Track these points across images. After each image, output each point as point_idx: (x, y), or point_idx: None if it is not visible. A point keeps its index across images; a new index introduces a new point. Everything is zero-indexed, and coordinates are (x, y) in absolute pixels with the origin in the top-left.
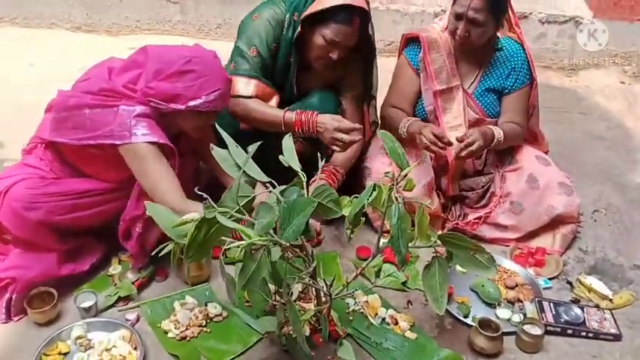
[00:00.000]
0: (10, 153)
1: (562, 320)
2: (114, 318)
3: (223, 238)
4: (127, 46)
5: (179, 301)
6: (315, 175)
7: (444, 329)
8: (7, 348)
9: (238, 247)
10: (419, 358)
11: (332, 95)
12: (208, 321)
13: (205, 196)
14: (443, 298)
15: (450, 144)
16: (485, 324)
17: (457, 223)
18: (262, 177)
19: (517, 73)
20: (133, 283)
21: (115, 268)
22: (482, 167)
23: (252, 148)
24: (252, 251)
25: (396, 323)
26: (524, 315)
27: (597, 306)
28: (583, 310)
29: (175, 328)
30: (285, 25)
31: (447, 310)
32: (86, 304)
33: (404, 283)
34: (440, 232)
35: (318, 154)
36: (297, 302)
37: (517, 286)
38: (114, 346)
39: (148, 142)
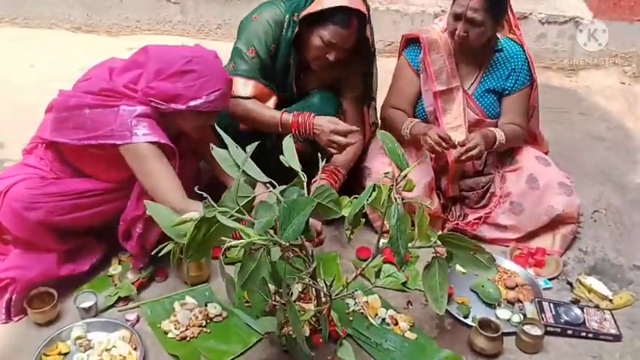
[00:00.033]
0: (11, 153)
1: (562, 321)
2: (114, 318)
3: (223, 238)
4: (127, 47)
5: (179, 302)
6: (317, 175)
7: (443, 330)
8: (7, 348)
9: (238, 246)
10: (419, 359)
11: (333, 96)
12: (208, 321)
13: (205, 195)
14: (443, 299)
15: (454, 146)
16: (485, 324)
17: (457, 224)
18: (262, 177)
19: (517, 74)
20: (132, 283)
21: (115, 269)
22: (482, 168)
23: (251, 147)
24: (252, 251)
25: (396, 324)
26: (524, 315)
27: (597, 306)
28: (583, 311)
29: (175, 328)
30: (285, 26)
31: (446, 310)
32: (86, 305)
33: (404, 284)
34: (440, 233)
35: (319, 155)
36: (297, 302)
37: (517, 286)
38: (114, 347)
39: (149, 142)
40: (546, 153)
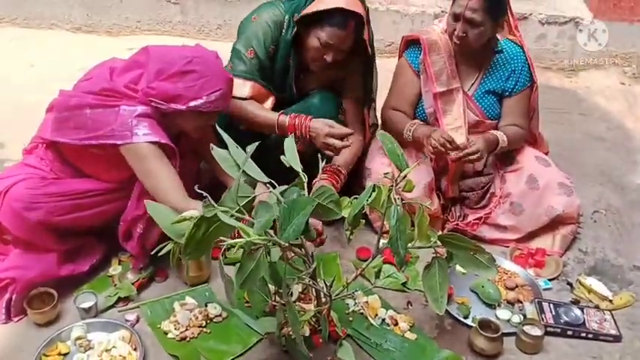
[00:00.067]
0: (11, 153)
1: (562, 321)
2: (114, 319)
3: (222, 238)
4: (127, 47)
5: (179, 302)
6: (318, 176)
7: (443, 330)
8: (7, 348)
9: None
10: (419, 359)
11: (333, 96)
12: (208, 321)
13: (205, 194)
14: (443, 299)
15: (458, 148)
16: (485, 325)
17: (457, 224)
18: (262, 177)
19: (517, 75)
20: (132, 283)
21: (114, 269)
22: (482, 168)
23: (251, 148)
24: (251, 250)
25: (396, 324)
26: (524, 316)
27: (597, 307)
28: (583, 311)
29: (175, 328)
30: (285, 27)
31: (446, 310)
32: (86, 305)
33: (404, 284)
34: (440, 233)
35: (319, 155)
36: (297, 303)
37: (517, 286)
38: (114, 347)
39: (149, 142)
40: (546, 153)
